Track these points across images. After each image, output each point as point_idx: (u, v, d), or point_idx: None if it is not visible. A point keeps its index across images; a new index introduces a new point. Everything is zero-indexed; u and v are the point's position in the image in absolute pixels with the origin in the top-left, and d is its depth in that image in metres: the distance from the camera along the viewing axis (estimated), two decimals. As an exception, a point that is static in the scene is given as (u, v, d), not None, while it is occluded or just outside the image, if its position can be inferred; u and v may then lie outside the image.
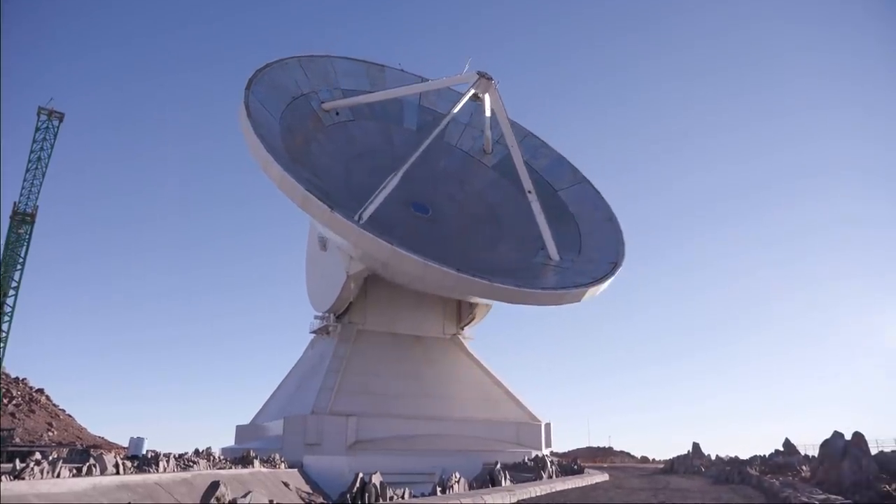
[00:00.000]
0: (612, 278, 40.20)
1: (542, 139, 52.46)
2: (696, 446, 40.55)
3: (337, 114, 45.11)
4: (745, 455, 36.47)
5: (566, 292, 38.64)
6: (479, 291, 35.97)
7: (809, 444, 32.45)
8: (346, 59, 48.61)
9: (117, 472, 18.53)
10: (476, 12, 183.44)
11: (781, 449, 32.32)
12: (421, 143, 40.15)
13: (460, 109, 47.65)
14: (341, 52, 48.70)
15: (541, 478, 27.10)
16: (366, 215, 34.19)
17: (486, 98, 44.40)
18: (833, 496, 14.56)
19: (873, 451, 20.59)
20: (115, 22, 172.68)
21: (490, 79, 43.36)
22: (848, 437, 20.51)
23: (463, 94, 43.85)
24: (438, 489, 18.78)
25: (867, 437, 20.55)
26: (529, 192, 42.53)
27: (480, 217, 47.22)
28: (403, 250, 32.82)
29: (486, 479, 24.84)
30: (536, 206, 41.77)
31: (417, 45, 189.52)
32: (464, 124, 50.55)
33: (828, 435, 21.54)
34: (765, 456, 33.15)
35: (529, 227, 42.99)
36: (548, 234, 40.87)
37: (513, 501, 17.00)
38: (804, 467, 26.23)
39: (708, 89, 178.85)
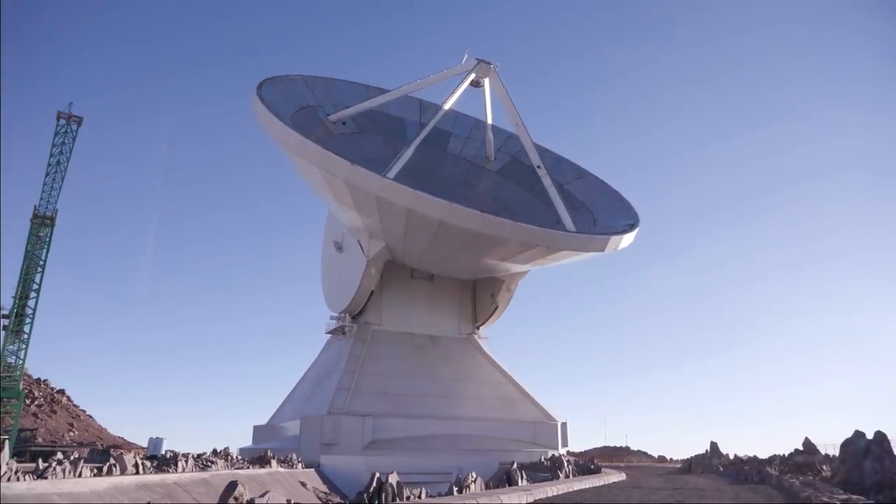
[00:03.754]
0: (633, 233, 41.16)
1: (543, 146, 52.85)
2: (714, 446, 40.18)
3: (343, 123, 45.62)
4: (764, 454, 36.14)
5: (591, 237, 39.68)
6: (504, 232, 36.33)
7: (830, 444, 31.92)
8: (348, 82, 49.41)
9: (137, 472, 18.76)
10: (479, 21, 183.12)
11: (801, 448, 31.86)
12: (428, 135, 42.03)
13: (460, 124, 50.20)
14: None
15: (557, 477, 27.00)
16: (391, 175, 35.83)
17: (486, 83, 44.89)
18: (855, 496, 14.36)
19: (896, 451, 20.24)
20: (131, 27, 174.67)
21: (489, 63, 44.07)
22: (870, 436, 20.22)
23: (463, 80, 44.31)
24: (455, 489, 18.74)
25: (890, 437, 20.24)
26: (539, 167, 43.26)
27: (492, 210, 47.47)
28: (425, 193, 34.60)
29: (503, 479, 24.79)
30: (547, 181, 42.33)
31: (414, 56, 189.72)
32: (465, 137, 51.26)
33: (849, 434, 21.26)
34: (784, 455, 32.75)
35: (543, 216, 43.28)
36: (561, 206, 41.28)
37: (530, 501, 16.95)
38: (825, 467, 25.91)
39: (716, 91, 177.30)
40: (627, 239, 40.70)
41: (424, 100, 50.37)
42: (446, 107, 44.19)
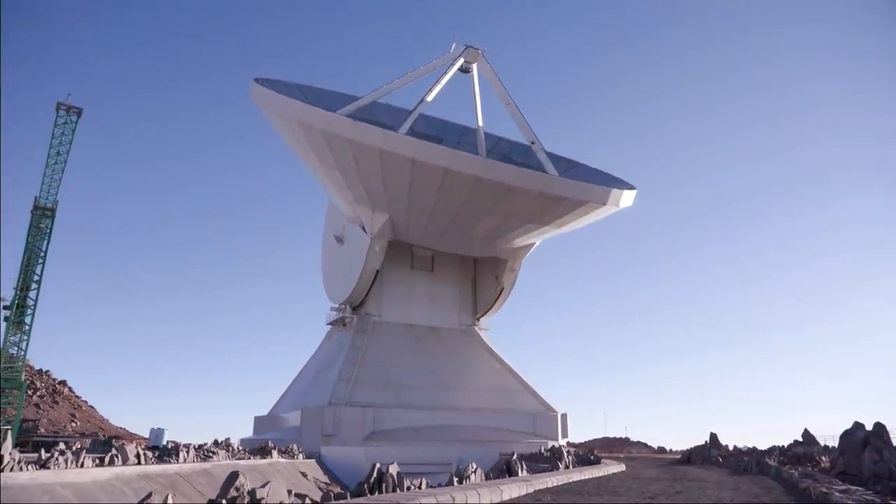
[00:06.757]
0: (633, 193, 41.57)
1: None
2: (713, 437, 40.31)
3: None
4: (763, 446, 36.32)
5: (594, 187, 40.10)
6: (506, 176, 36.86)
7: (829, 435, 32.14)
8: (337, 93, 49.30)
9: (138, 463, 18.85)
10: (469, 21, 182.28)
11: (801, 439, 32.02)
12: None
13: (450, 131, 50.29)
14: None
15: (557, 468, 27.12)
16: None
17: (475, 68, 44.77)
18: (853, 487, 14.42)
19: (895, 443, 20.32)
20: (129, 17, 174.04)
21: (477, 49, 44.15)
22: (869, 427, 20.27)
23: (451, 66, 43.99)
24: (455, 479, 18.83)
25: (889, 428, 20.29)
26: (532, 143, 43.67)
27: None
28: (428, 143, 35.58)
29: (503, 470, 24.89)
30: (542, 155, 42.84)
31: (401, 59, 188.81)
32: (455, 142, 51.20)
33: (848, 425, 21.31)
34: (784, 446, 32.88)
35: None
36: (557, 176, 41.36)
37: (530, 492, 17.02)
38: (824, 458, 25.99)
39: (713, 90, 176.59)
40: (628, 196, 40.80)
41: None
42: (434, 92, 43.51)
